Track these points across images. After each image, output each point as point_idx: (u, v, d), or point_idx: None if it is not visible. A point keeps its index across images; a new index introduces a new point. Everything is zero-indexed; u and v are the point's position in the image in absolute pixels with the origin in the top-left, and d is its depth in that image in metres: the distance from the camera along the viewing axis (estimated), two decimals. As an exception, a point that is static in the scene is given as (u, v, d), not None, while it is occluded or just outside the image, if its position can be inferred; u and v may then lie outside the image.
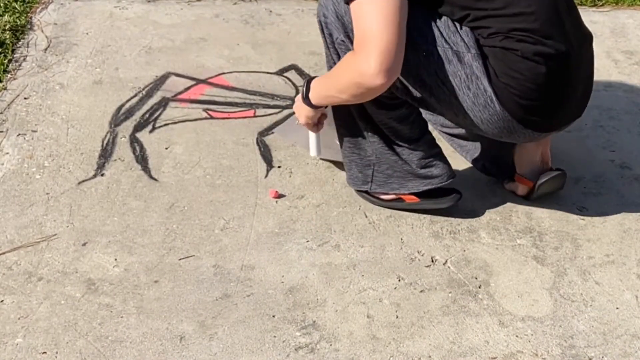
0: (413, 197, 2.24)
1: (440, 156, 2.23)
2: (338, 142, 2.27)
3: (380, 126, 2.15)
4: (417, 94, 2.03)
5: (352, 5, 1.87)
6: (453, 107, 2.01)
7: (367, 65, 1.83)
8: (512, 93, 1.94)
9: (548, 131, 2.10)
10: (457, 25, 1.95)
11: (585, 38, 2.09)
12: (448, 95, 1.98)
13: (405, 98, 2.07)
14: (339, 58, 2.04)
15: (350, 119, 2.18)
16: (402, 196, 2.25)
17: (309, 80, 2.10)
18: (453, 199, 2.24)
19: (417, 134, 2.18)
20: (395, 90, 2.04)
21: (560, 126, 2.11)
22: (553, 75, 1.95)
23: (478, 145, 2.36)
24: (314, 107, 2.10)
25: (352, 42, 1.95)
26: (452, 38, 1.94)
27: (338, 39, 2.04)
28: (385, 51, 1.82)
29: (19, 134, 2.51)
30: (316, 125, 2.19)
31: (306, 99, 2.09)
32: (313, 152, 2.29)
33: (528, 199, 2.31)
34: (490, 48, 1.94)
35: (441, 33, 1.95)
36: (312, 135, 2.25)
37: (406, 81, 2.01)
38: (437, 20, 1.95)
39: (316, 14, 2.08)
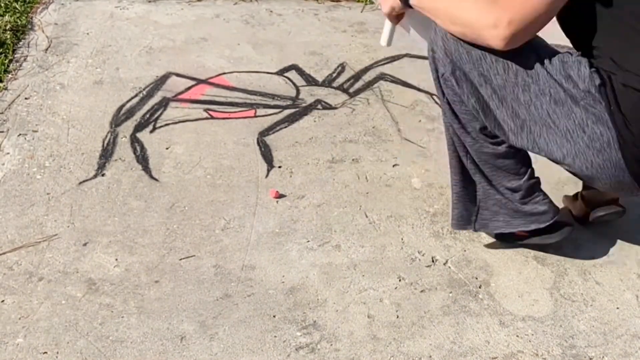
0: (522, 232, 2.14)
1: (543, 192, 2.10)
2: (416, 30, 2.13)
3: (483, 164, 2.06)
4: (523, 135, 1.93)
5: None
6: (562, 148, 1.89)
7: (498, 26, 1.77)
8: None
9: None
10: (572, 70, 1.84)
11: None
12: (560, 136, 1.87)
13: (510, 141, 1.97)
14: (443, 93, 1.98)
15: (457, 156, 2.08)
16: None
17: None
18: (563, 233, 2.12)
19: (521, 171, 2.06)
20: (502, 135, 1.96)
21: None
22: None
23: None
24: (408, 5, 1.97)
25: (456, 80, 1.92)
26: (564, 82, 1.84)
27: (444, 75, 1.96)
28: (522, 24, 1.76)
29: (20, 134, 2.51)
30: (397, 17, 2.06)
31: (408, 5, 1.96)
32: (384, 42, 2.13)
33: (580, 223, 2.26)
34: (621, 89, 1.80)
35: (551, 75, 1.85)
36: (387, 25, 2.11)
37: (514, 122, 1.92)
38: (549, 64, 1.85)
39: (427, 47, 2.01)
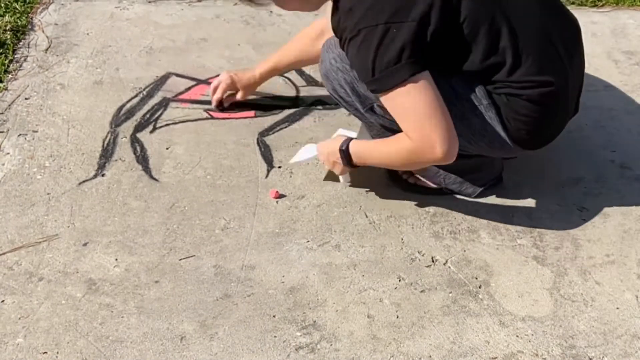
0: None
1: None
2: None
3: None
4: None
5: (389, 97, 1.96)
6: (470, 149, 2.15)
7: (434, 152, 1.96)
8: (524, 132, 2.09)
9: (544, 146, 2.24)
10: (469, 80, 2.05)
11: (574, 38, 2.19)
12: (464, 143, 2.08)
13: None
14: (377, 116, 2.15)
15: None
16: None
17: (347, 145, 2.16)
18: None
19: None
20: None
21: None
22: (557, 106, 2.10)
23: None
24: (355, 166, 2.20)
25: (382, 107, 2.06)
26: (464, 94, 2.05)
27: (368, 108, 2.14)
28: (447, 136, 1.96)
29: (20, 135, 2.51)
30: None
31: (348, 163, 2.18)
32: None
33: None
34: (497, 97, 2.05)
35: (456, 92, 2.05)
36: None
37: None
38: (451, 79, 2.03)
39: (322, 83, 2.16)
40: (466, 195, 2.32)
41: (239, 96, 2.66)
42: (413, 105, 1.95)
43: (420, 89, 1.94)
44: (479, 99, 2.06)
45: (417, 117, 1.96)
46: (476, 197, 2.32)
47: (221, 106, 2.64)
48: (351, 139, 2.20)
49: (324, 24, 2.41)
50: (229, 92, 2.66)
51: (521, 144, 2.12)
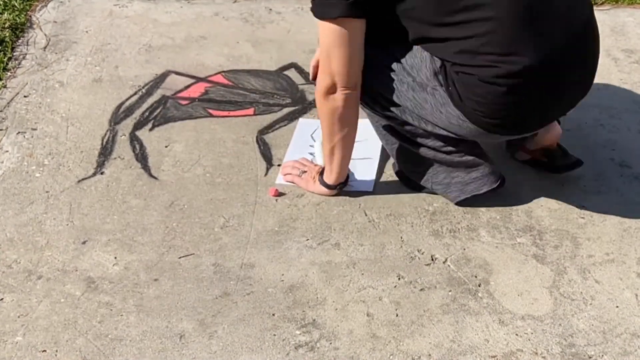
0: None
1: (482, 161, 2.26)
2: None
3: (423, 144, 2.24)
4: (401, 116, 2.17)
5: (320, 26, 2.01)
6: (440, 123, 2.10)
7: (333, 88, 2.06)
8: (479, 114, 2.01)
9: (534, 130, 2.18)
10: (415, 57, 2.05)
11: (583, 29, 2.04)
12: (429, 116, 2.09)
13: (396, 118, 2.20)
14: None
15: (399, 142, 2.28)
16: None
17: (320, 180, 2.28)
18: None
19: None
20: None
21: (550, 121, 2.19)
22: (519, 92, 1.97)
23: None
24: (334, 187, 2.28)
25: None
26: (411, 71, 2.06)
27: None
28: (347, 81, 2.05)
29: (19, 132, 2.51)
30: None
31: (329, 187, 2.28)
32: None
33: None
34: (452, 73, 2.00)
35: (403, 67, 2.07)
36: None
37: (394, 115, 2.17)
38: (400, 54, 2.07)
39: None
40: (450, 199, 2.29)
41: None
42: (332, 43, 1.98)
43: (344, 34, 1.97)
44: (426, 76, 2.03)
45: (329, 54, 2.00)
46: (458, 203, 2.29)
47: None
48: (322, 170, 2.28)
49: None
50: None
51: (484, 127, 2.03)
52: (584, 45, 2.07)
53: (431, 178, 2.27)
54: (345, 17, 1.95)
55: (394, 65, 2.08)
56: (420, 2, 1.96)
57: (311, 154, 2.45)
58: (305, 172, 2.32)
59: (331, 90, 2.06)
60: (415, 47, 2.05)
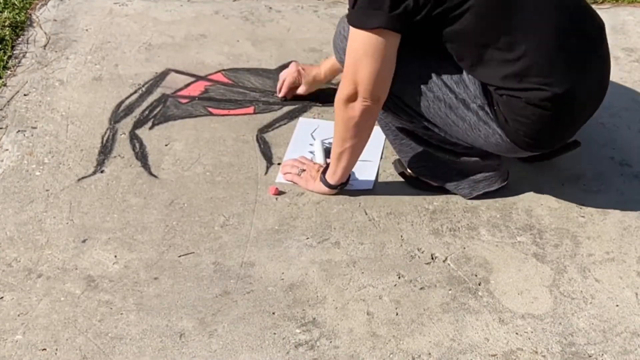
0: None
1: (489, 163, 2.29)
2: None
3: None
4: (426, 125, 2.19)
5: (353, 34, 2.00)
6: (467, 140, 2.15)
7: (355, 97, 2.04)
8: (521, 133, 2.06)
9: (561, 144, 2.25)
10: (463, 73, 2.06)
11: (594, 41, 2.12)
12: (461, 133, 2.13)
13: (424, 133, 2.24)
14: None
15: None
16: None
17: (322, 179, 2.28)
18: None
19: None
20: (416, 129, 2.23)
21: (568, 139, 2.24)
22: (560, 113, 2.04)
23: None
24: (335, 187, 2.28)
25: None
26: (455, 87, 2.06)
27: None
28: (372, 90, 2.03)
29: (19, 131, 2.51)
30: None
31: (330, 186, 2.28)
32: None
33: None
34: (497, 95, 2.04)
35: (444, 82, 2.07)
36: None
37: (423, 121, 2.17)
38: (440, 69, 2.07)
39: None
40: (461, 195, 2.31)
41: (300, 90, 2.66)
42: (364, 52, 1.96)
43: (377, 46, 1.95)
44: (474, 94, 2.06)
45: (357, 63, 1.99)
46: (472, 198, 2.31)
47: (285, 98, 2.67)
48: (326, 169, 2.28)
49: None
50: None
51: (520, 145, 2.09)
52: (604, 63, 2.17)
53: (443, 176, 2.28)
54: (384, 28, 1.93)
55: (431, 80, 2.07)
56: (471, 24, 1.95)
57: (311, 152, 2.45)
58: (304, 170, 2.32)
59: (352, 99, 2.04)
60: (454, 68, 2.06)
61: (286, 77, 2.65)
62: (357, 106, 2.04)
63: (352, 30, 1.97)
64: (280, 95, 2.66)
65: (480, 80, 2.05)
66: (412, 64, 2.06)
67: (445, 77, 2.07)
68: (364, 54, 1.97)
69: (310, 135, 2.52)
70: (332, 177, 2.25)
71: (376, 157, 2.45)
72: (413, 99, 2.10)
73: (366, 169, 2.39)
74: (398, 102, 2.13)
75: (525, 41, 1.97)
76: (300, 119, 2.60)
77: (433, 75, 2.07)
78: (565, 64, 2.01)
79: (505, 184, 2.31)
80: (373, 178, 2.37)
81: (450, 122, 2.10)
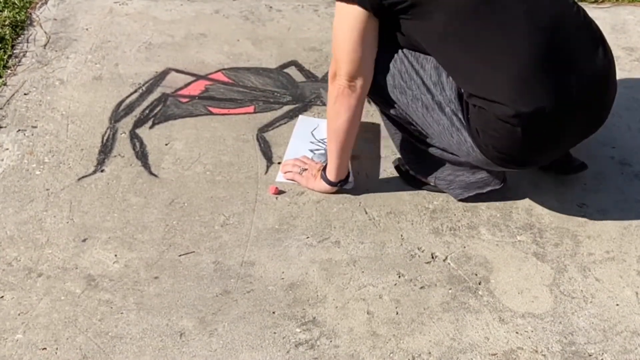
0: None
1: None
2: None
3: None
4: (414, 128, 2.19)
5: (337, 7, 2.04)
6: (442, 143, 2.15)
7: (339, 75, 2.07)
8: (491, 147, 2.02)
9: (541, 164, 2.24)
10: (442, 74, 2.06)
11: (598, 76, 2.05)
12: (436, 135, 2.12)
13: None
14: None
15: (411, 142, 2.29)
16: None
17: (323, 177, 2.29)
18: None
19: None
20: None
21: (555, 157, 2.22)
22: (532, 132, 1.98)
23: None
24: (335, 184, 2.28)
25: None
26: (433, 88, 2.06)
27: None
28: (353, 68, 2.07)
29: (19, 130, 2.51)
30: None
31: (331, 184, 2.28)
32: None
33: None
34: (470, 103, 2.01)
35: (423, 81, 2.07)
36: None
37: (401, 119, 2.19)
38: (421, 68, 2.08)
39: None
40: (452, 195, 2.30)
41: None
42: (341, 24, 2.02)
43: (356, 24, 2.00)
44: (449, 98, 2.05)
45: (337, 38, 2.04)
46: (463, 200, 2.30)
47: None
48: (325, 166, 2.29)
49: None
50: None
51: (491, 158, 2.04)
52: (598, 90, 2.07)
53: (435, 173, 2.28)
54: (361, 6, 1.98)
55: (412, 78, 2.09)
56: (441, 23, 1.96)
57: (311, 150, 2.45)
58: (305, 169, 2.32)
59: (333, 76, 2.09)
60: (434, 70, 2.07)
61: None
62: (337, 83, 2.08)
63: (337, 4, 2.03)
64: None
65: (457, 84, 2.04)
66: (396, 61, 2.09)
67: (425, 76, 2.07)
68: (340, 26, 2.02)
69: (311, 134, 2.52)
70: (331, 172, 2.25)
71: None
72: (395, 95, 2.12)
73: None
74: (383, 94, 2.14)
75: (497, 54, 1.95)
76: (300, 117, 2.60)
77: (413, 73, 2.08)
78: (536, 83, 1.95)
79: (500, 187, 2.26)
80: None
81: (427, 123, 2.10)
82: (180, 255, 2.12)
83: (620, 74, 2.85)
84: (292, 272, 2.08)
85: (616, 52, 2.98)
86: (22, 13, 3.05)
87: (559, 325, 1.97)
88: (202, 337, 1.91)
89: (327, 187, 2.28)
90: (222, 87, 2.75)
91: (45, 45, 2.91)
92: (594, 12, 3.21)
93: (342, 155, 2.22)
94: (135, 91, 2.71)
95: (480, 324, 1.97)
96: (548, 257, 2.16)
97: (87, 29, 3.01)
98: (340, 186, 2.29)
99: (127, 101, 2.66)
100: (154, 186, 2.33)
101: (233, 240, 2.17)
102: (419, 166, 2.30)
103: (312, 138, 2.50)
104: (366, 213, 2.27)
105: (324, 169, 2.28)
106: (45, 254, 2.10)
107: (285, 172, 2.36)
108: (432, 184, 2.31)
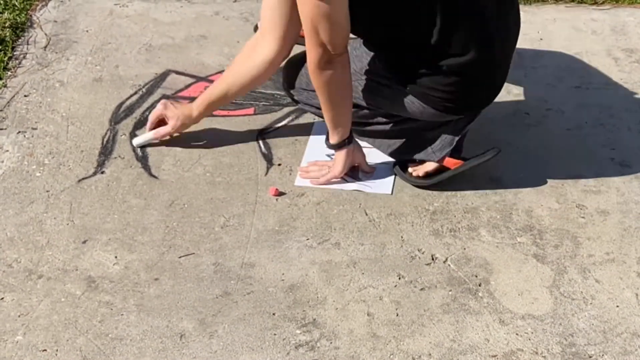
0: (457, 161, 2.32)
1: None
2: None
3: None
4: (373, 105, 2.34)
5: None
6: (393, 111, 2.32)
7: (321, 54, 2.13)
8: (439, 99, 2.18)
9: (478, 110, 2.33)
10: (380, 55, 2.23)
11: (516, 31, 2.28)
12: (387, 106, 2.31)
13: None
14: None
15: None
16: (445, 164, 2.32)
17: (327, 144, 2.33)
18: (494, 151, 2.28)
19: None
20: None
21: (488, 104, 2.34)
22: (466, 80, 2.16)
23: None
24: (341, 144, 2.30)
25: None
26: (380, 72, 2.24)
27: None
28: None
29: (19, 132, 2.51)
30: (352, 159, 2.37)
31: (336, 146, 2.32)
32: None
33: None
34: (411, 71, 2.18)
35: (368, 67, 2.26)
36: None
37: (366, 102, 2.32)
38: (365, 54, 2.27)
39: None
40: (431, 160, 2.32)
41: (169, 127, 2.45)
42: (317, 16, 2.03)
43: (326, 6, 2.01)
44: (387, 76, 2.22)
45: (316, 27, 2.06)
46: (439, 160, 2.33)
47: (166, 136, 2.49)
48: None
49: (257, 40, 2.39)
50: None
51: (441, 110, 2.21)
52: (513, 43, 2.29)
53: (413, 150, 2.36)
54: None
55: (354, 71, 2.25)
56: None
57: (328, 155, 2.43)
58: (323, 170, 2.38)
59: (326, 59, 2.10)
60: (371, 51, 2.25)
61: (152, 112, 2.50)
62: (334, 63, 2.11)
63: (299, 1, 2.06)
64: (148, 130, 2.48)
65: (394, 58, 2.20)
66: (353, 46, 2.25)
67: (358, 66, 2.26)
68: (317, 17, 2.03)
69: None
70: (334, 136, 2.29)
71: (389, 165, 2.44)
72: (356, 73, 2.27)
73: (384, 172, 2.40)
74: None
75: (444, 14, 2.08)
76: (316, 122, 2.57)
77: (362, 60, 2.27)
78: (480, 27, 2.12)
79: (459, 138, 2.31)
80: (391, 184, 2.37)
81: (379, 103, 2.28)
82: (180, 257, 2.12)
83: (620, 76, 2.87)
84: (292, 273, 2.08)
85: (616, 53, 2.99)
86: (23, 15, 3.06)
87: (559, 326, 1.97)
88: (202, 338, 1.91)
89: (341, 157, 2.31)
90: (222, 88, 2.75)
91: (45, 47, 2.91)
92: (594, 14, 3.22)
93: (346, 119, 2.27)
94: (136, 93, 2.71)
95: (480, 325, 1.97)
96: (548, 259, 2.16)
97: (87, 31, 3.01)
98: (347, 144, 2.30)
99: (128, 103, 2.66)
100: (154, 188, 2.33)
101: (233, 242, 2.17)
102: (397, 151, 2.40)
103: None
104: (366, 214, 2.27)
105: (327, 137, 2.31)
106: (45, 256, 2.10)
107: (306, 176, 2.37)
108: (434, 159, 2.33)
